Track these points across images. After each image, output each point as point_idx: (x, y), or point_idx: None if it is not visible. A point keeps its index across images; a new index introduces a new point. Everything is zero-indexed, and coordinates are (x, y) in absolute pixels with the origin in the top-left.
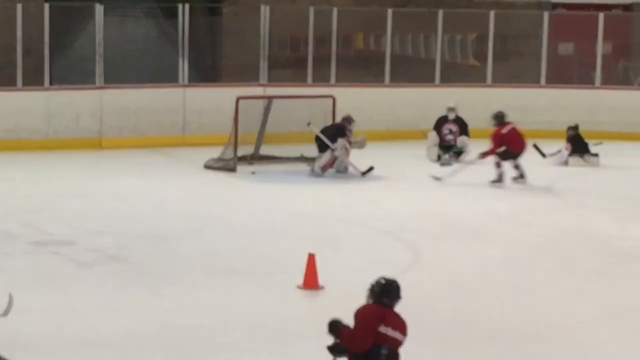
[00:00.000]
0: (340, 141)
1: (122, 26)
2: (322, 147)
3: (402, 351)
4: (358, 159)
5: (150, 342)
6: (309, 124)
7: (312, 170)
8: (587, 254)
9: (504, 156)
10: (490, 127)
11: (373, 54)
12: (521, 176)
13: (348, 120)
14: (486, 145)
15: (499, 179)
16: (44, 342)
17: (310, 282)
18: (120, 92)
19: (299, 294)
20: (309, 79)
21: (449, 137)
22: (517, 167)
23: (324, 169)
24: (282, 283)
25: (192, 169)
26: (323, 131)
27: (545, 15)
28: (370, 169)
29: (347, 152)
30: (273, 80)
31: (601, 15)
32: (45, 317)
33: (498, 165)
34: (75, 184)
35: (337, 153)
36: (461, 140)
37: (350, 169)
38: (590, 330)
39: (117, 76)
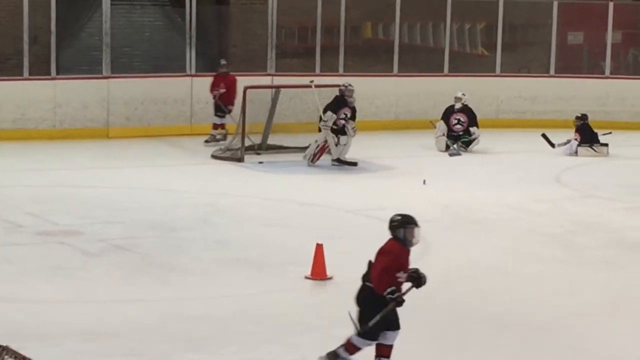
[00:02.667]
0: (329, 114)
1: (129, 15)
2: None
3: (412, 341)
4: (366, 149)
5: (158, 332)
6: (312, 81)
7: (304, 158)
8: (596, 244)
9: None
10: (498, 117)
11: (381, 43)
12: (223, 137)
13: (343, 91)
14: (493, 134)
15: (207, 140)
16: (52, 332)
17: (319, 272)
18: (127, 81)
19: (307, 284)
20: (317, 69)
21: (458, 126)
22: (223, 126)
23: (313, 158)
24: (290, 273)
25: (200, 159)
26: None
27: (555, 4)
28: (353, 163)
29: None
30: (281, 69)
31: (611, 4)
32: (53, 307)
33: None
34: (82, 174)
35: (325, 124)
36: (474, 131)
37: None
38: (599, 321)
39: (124, 66)
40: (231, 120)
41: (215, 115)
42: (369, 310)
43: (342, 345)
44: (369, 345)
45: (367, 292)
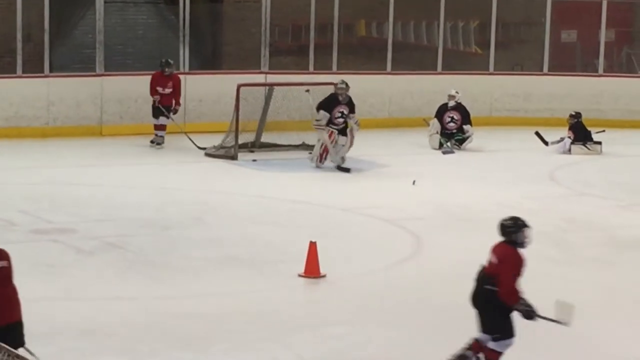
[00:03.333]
0: (322, 113)
1: (122, 13)
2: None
3: (405, 341)
4: (359, 147)
5: (151, 330)
6: (307, 90)
7: (311, 160)
8: (590, 243)
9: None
10: (491, 115)
11: (375, 41)
12: (158, 142)
13: (335, 84)
14: (486, 132)
15: (158, 142)
16: (44, 329)
17: (312, 270)
18: (121, 79)
19: (300, 282)
20: (311, 67)
21: (451, 124)
22: (161, 128)
23: (320, 159)
24: (283, 271)
25: (193, 157)
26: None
27: (548, 2)
28: (347, 170)
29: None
30: (274, 67)
31: (604, 2)
32: (45, 305)
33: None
34: (75, 171)
35: (318, 123)
36: (467, 129)
37: (343, 155)
38: (593, 319)
39: (117, 64)
40: (172, 122)
41: (162, 116)
42: (491, 314)
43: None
44: (511, 345)
45: (487, 296)
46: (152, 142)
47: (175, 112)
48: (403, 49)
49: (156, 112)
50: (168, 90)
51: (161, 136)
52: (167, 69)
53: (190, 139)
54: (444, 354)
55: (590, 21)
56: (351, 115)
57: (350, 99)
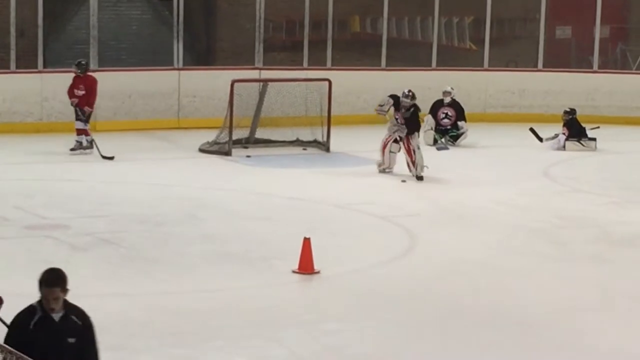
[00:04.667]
0: (386, 98)
1: (116, 8)
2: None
3: (400, 337)
4: (354, 143)
5: (145, 326)
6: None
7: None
8: (584, 239)
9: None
10: (485, 111)
11: (369, 37)
12: (90, 145)
13: (404, 94)
14: (480, 128)
15: (86, 146)
16: None
17: (306, 266)
18: (115, 75)
19: (294, 278)
20: (305, 62)
21: (445, 121)
22: (87, 132)
23: (416, 168)
24: (277, 267)
25: (187, 153)
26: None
27: None
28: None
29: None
30: (268, 63)
31: None
32: None
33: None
34: (69, 167)
35: (380, 110)
36: (462, 125)
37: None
38: (587, 316)
39: (111, 59)
40: (84, 126)
41: (78, 120)
42: None
43: None
44: None
45: None
46: (71, 149)
47: (86, 114)
48: (397, 45)
49: (76, 114)
50: (81, 92)
51: (78, 142)
52: (78, 70)
53: (96, 147)
54: (438, 350)
55: (585, 17)
56: (415, 138)
57: (411, 113)
